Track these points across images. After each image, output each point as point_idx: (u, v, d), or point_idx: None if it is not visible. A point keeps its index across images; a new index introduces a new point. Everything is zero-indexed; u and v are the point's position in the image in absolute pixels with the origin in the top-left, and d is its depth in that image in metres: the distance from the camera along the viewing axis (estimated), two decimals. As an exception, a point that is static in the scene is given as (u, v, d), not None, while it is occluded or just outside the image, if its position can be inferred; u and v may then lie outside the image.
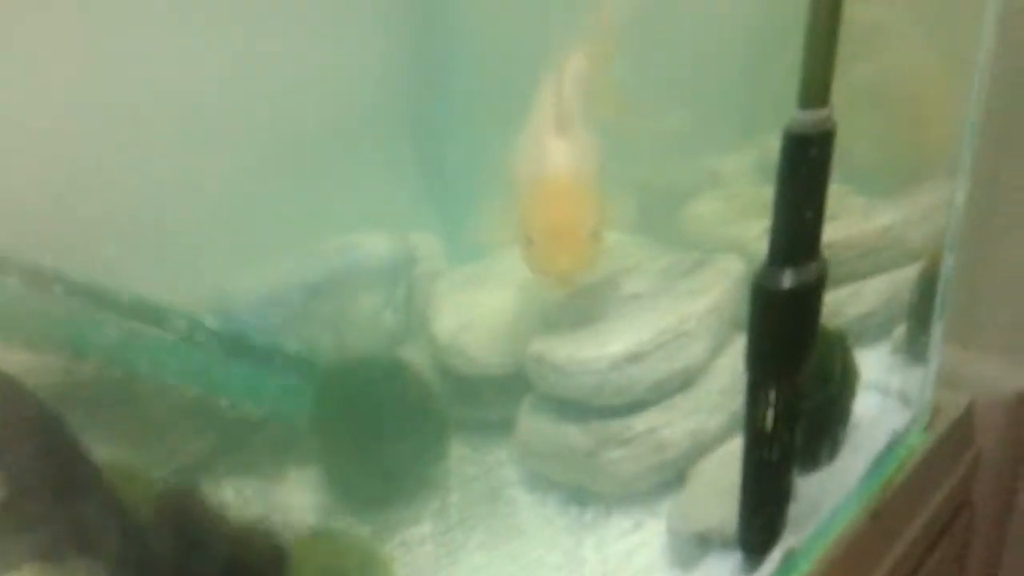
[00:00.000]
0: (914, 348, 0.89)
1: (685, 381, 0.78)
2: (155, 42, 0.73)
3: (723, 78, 0.97)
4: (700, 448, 0.78)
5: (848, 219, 0.92)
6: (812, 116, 0.56)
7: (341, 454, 0.82)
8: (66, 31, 0.70)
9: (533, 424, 0.81)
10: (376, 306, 0.95)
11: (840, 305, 0.90)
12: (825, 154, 0.57)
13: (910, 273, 0.90)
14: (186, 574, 0.58)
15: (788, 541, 0.68)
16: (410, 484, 0.84)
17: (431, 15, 1.00)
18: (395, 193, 0.98)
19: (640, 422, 0.76)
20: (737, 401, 0.75)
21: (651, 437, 0.76)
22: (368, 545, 0.76)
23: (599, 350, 0.75)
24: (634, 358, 0.75)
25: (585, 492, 0.80)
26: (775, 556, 0.68)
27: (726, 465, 0.71)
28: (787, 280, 0.57)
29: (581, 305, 0.83)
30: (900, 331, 0.92)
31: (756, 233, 0.88)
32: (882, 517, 0.79)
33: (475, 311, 0.89)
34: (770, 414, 0.61)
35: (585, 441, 0.77)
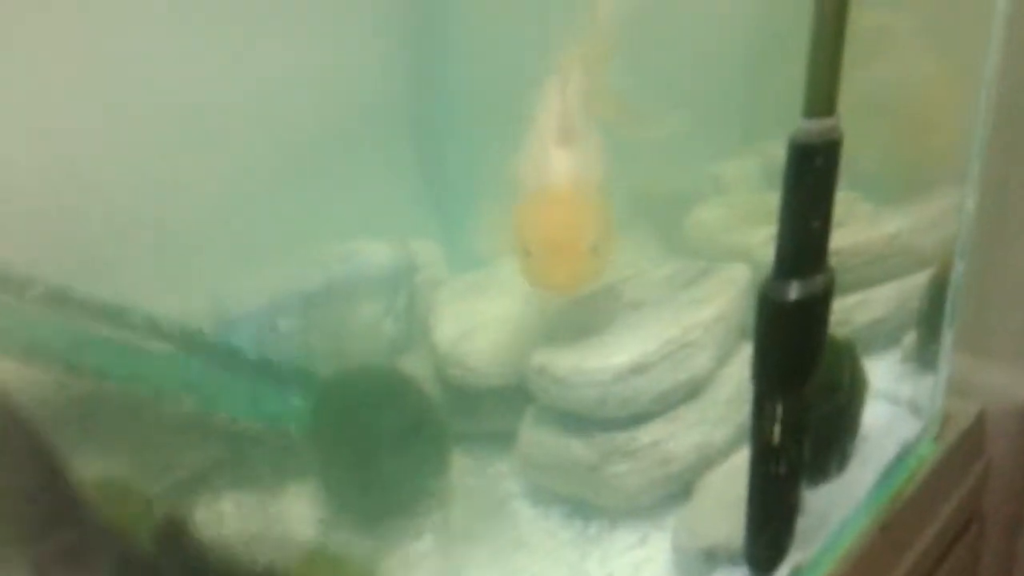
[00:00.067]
0: (924, 356, 0.88)
1: (691, 392, 0.78)
2: (147, 47, 0.73)
3: (726, 81, 0.96)
4: (706, 461, 0.78)
5: (855, 226, 0.92)
6: (818, 125, 0.55)
7: (340, 466, 0.82)
8: (61, 31, 0.70)
9: (535, 436, 0.81)
10: (376, 315, 0.95)
11: (848, 313, 0.90)
12: (832, 164, 0.56)
13: (919, 280, 0.90)
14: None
15: (796, 557, 0.68)
16: (410, 497, 0.84)
17: (431, 19, 0.99)
18: (395, 200, 0.98)
19: (645, 435, 0.76)
20: (744, 412, 0.74)
21: (656, 450, 0.76)
22: (367, 566, 0.76)
23: (602, 361, 0.75)
24: (638, 369, 0.74)
25: (589, 506, 0.80)
26: (783, 572, 0.67)
27: (733, 478, 0.71)
28: (794, 292, 0.57)
29: (584, 315, 0.83)
30: (909, 339, 0.91)
31: (760, 240, 0.88)
32: (892, 529, 0.79)
33: (477, 320, 0.89)
34: (777, 428, 0.61)
35: (588, 454, 0.77)
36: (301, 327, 0.89)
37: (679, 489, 0.78)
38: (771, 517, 0.66)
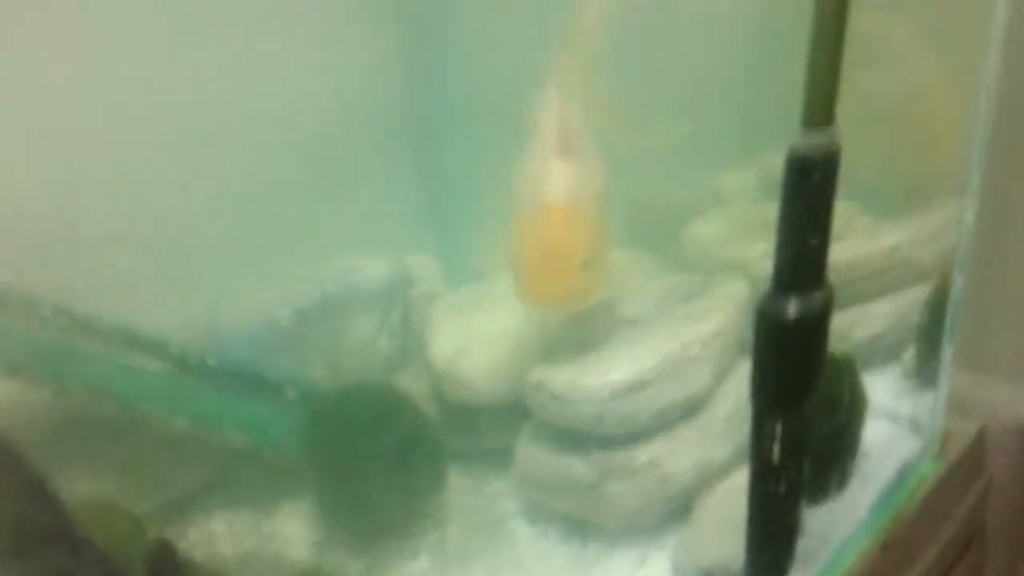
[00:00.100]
0: (924, 372, 0.88)
1: (689, 409, 0.78)
2: (139, 54, 0.73)
3: (724, 92, 0.96)
4: (705, 479, 0.77)
5: (854, 239, 0.91)
6: (816, 138, 0.55)
7: (335, 485, 0.82)
8: (61, 37, 0.70)
9: (533, 454, 0.80)
10: (371, 330, 0.95)
11: (847, 328, 0.90)
12: (830, 177, 0.56)
13: (919, 294, 0.90)
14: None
15: (797, 577, 0.68)
16: (406, 516, 0.83)
17: (429, 30, 1.00)
18: (391, 214, 0.97)
19: (643, 453, 0.75)
20: (743, 429, 0.74)
21: (655, 468, 0.75)
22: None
23: (600, 378, 0.75)
24: (636, 386, 0.74)
25: (587, 524, 0.79)
26: (783, 593, 0.67)
27: (732, 497, 0.70)
28: (792, 309, 0.57)
29: (582, 330, 0.83)
30: (909, 354, 0.91)
31: (759, 253, 0.88)
32: (892, 549, 0.78)
33: (473, 336, 0.88)
34: (777, 447, 0.60)
35: (587, 472, 0.76)
36: (295, 343, 0.89)
37: (678, 508, 0.77)
38: (771, 537, 0.65)
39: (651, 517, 0.77)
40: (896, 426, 0.87)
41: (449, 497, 0.86)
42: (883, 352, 0.92)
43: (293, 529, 0.84)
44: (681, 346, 0.77)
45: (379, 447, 0.79)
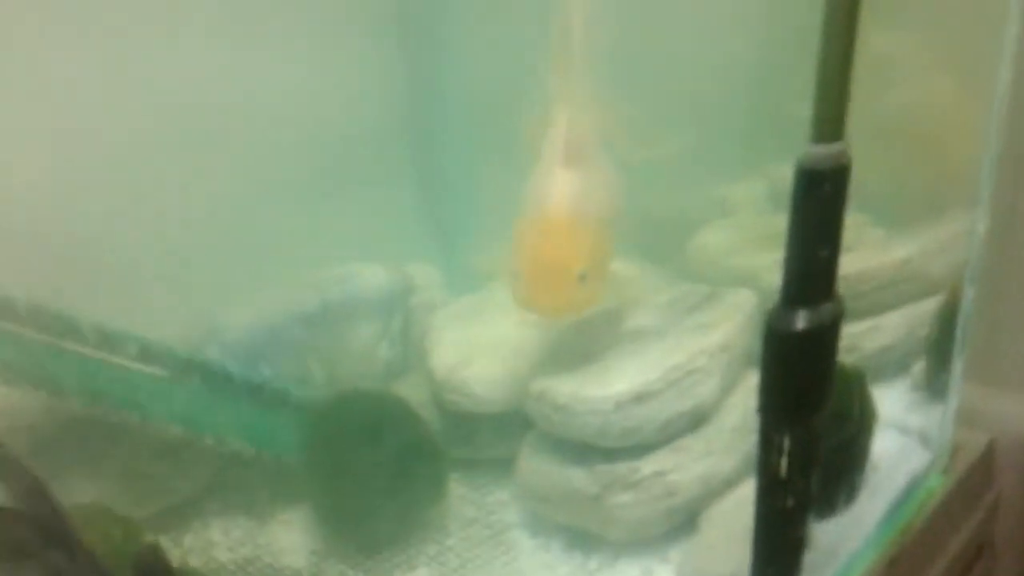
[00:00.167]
0: (933, 385, 0.88)
1: (695, 421, 0.78)
2: (136, 67, 0.74)
3: (731, 103, 0.97)
4: (711, 492, 0.77)
5: (865, 251, 0.92)
6: (826, 150, 0.55)
7: (333, 494, 0.82)
8: (61, 38, 0.71)
9: (535, 465, 0.81)
10: (371, 338, 0.95)
11: (857, 339, 0.90)
12: (840, 190, 0.56)
13: (929, 306, 0.90)
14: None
15: (803, 592, 0.68)
16: (405, 526, 0.83)
17: (430, 38, 1.00)
18: (393, 221, 0.98)
19: (648, 465, 0.76)
20: (750, 441, 0.74)
21: (659, 481, 0.75)
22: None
23: (604, 389, 0.75)
24: (641, 398, 0.74)
25: (590, 537, 0.79)
26: (790, 609, 0.67)
27: (739, 511, 0.70)
28: (801, 322, 0.57)
29: (585, 340, 0.83)
30: (919, 367, 0.91)
31: (767, 264, 0.88)
32: (900, 563, 0.79)
33: (474, 345, 0.88)
34: (784, 461, 0.60)
35: (590, 484, 0.76)
36: (295, 350, 0.89)
37: (684, 521, 0.78)
38: (778, 551, 0.65)
39: (655, 530, 0.77)
40: (905, 439, 0.88)
41: (449, 507, 0.86)
42: (893, 364, 0.92)
43: (291, 537, 0.84)
44: (687, 357, 0.77)
45: (378, 455, 0.80)
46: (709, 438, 0.78)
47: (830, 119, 0.55)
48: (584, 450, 0.77)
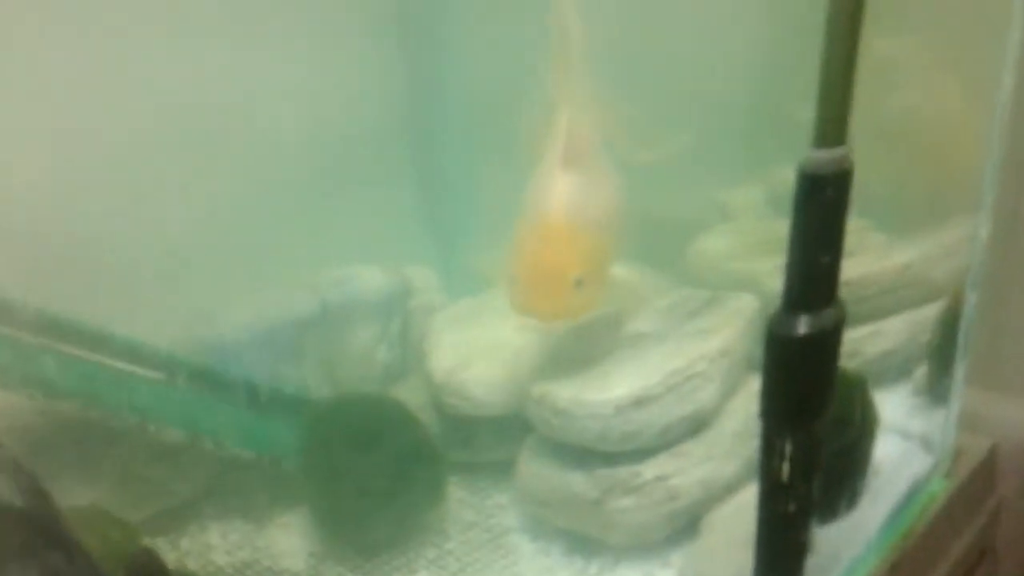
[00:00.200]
0: (935, 389, 0.89)
1: (696, 426, 0.78)
2: (137, 68, 0.74)
3: (731, 106, 0.97)
4: (713, 497, 0.78)
5: (866, 256, 0.92)
6: (828, 155, 0.56)
7: (332, 497, 0.82)
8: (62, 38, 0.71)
9: (535, 468, 0.81)
10: (370, 341, 0.95)
11: (859, 344, 0.90)
12: (843, 195, 0.56)
13: (931, 311, 0.90)
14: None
15: (805, 598, 0.68)
16: (404, 530, 0.83)
17: (430, 40, 1.00)
18: (390, 224, 0.98)
19: (649, 469, 0.76)
20: (751, 446, 0.75)
21: (661, 485, 0.76)
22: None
23: (604, 393, 0.75)
24: (641, 402, 0.74)
25: (591, 541, 0.80)
26: (791, 614, 0.67)
27: (741, 515, 0.71)
28: (803, 327, 0.57)
29: (586, 344, 0.83)
30: (921, 372, 0.92)
31: (767, 269, 0.88)
32: (902, 568, 0.79)
33: (473, 348, 0.89)
34: (786, 466, 0.61)
35: (590, 488, 0.76)
36: (293, 353, 0.89)
37: (685, 526, 0.78)
38: (780, 556, 0.66)
39: (656, 534, 0.78)
40: (907, 443, 0.88)
41: (448, 511, 0.86)
42: (895, 369, 0.92)
43: (289, 541, 0.84)
44: (687, 362, 0.77)
45: (377, 459, 0.80)
46: (710, 443, 0.78)
47: (833, 123, 0.55)
48: (584, 454, 0.77)
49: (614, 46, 0.82)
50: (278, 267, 0.89)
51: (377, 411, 0.86)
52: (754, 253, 0.95)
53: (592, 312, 0.78)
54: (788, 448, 0.61)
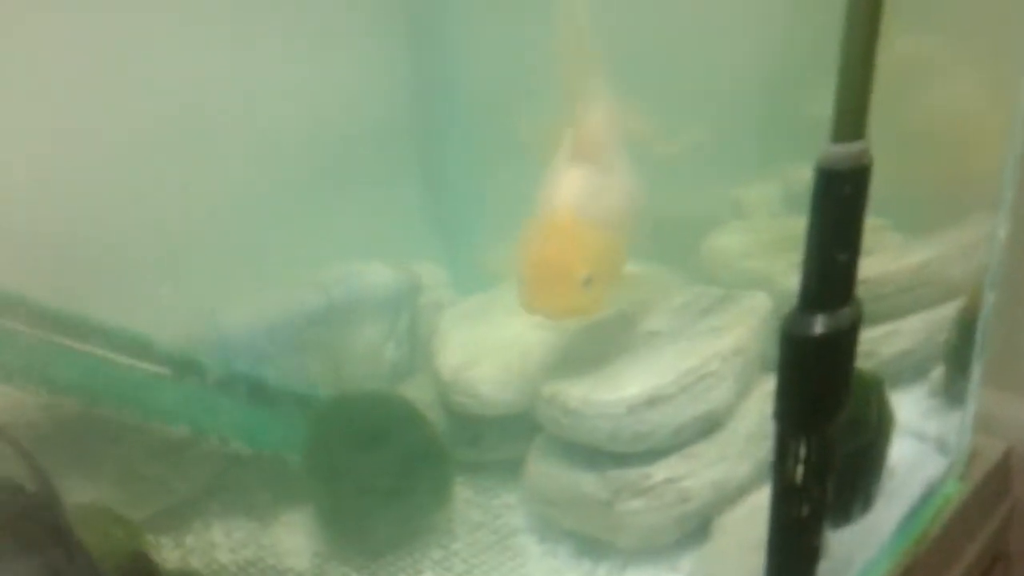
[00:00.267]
0: (951, 391, 0.88)
1: (708, 426, 0.78)
2: (138, 67, 0.74)
3: (746, 102, 0.97)
4: (725, 499, 0.77)
5: (883, 255, 0.92)
6: (846, 150, 0.55)
7: (337, 496, 0.82)
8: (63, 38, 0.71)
9: (544, 468, 0.81)
10: (377, 338, 0.95)
11: (875, 344, 0.90)
12: (861, 191, 0.56)
13: (948, 311, 0.90)
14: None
15: (818, 603, 0.68)
16: (410, 529, 0.83)
17: (436, 36, 1.00)
18: (399, 220, 0.98)
19: (660, 470, 0.75)
20: (764, 448, 0.74)
21: (672, 487, 0.75)
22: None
23: (615, 393, 0.75)
24: (653, 402, 0.74)
25: (600, 544, 0.79)
26: (804, 618, 0.67)
27: (753, 518, 0.70)
28: (819, 327, 0.57)
29: (597, 342, 0.83)
30: (937, 372, 0.91)
31: (782, 267, 0.88)
32: (915, 573, 0.79)
33: (482, 345, 0.88)
34: (800, 468, 0.60)
35: (600, 489, 0.76)
36: (299, 350, 0.89)
37: (696, 528, 0.77)
38: (793, 561, 0.65)
39: (667, 537, 0.77)
40: (922, 445, 0.87)
41: (455, 510, 0.86)
42: (911, 369, 0.92)
43: (294, 540, 0.84)
44: (700, 361, 0.77)
45: (383, 457, 0.80)
46: (723, 444, 0.78)
47: (851, 118, 0.55)
48: (594, 455, 0.77)
49: (627, 42, 0.81)
50: (287, 265, 0.89)
51: (383, 409, 0.86)
52: (768, 251, 0.94)
53: (603, 310, 0.78)
54: (802, 450, 0.60)
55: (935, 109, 0.94)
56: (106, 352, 0.77)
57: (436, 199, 1.04)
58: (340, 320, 0.92)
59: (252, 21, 0.81)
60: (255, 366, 0.85)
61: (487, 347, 0.88)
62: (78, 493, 0.75)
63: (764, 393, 0.80)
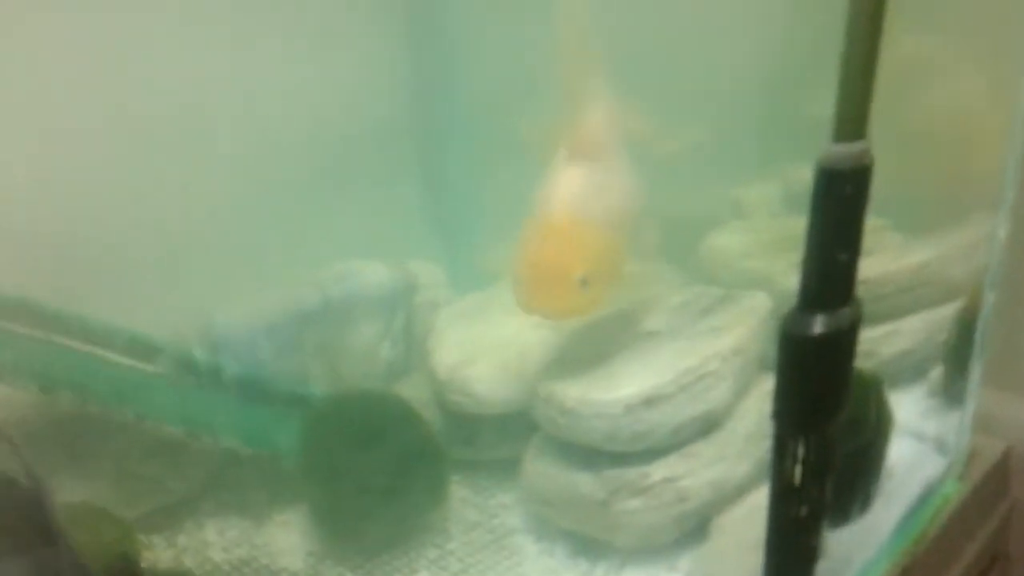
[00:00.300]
0: (951, 391, 0.89)
1: (707, 426, 0.78)
2: (138, 66, 0.74)
3: (746, 102, 0.97)
4: (723, 499, 0.77)
5: (883, 255, 0.92)
6: (847, 150, 0.55)
7: (332, 495, 0.82)
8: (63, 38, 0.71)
9: (540, 468, 0.81)
10: (373, 337, 0.95)
11: (874, 344, 0.90)
12: (862, 191, 0.56)
13: (948, 311, 0.90)
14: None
15: (816, 603, 0.68)
16: (405, 529, 0.83)
17: (435, 35, 1.00)
18: (396, 219, 0.98)
19: (658, 470, 0.75)
20: (763, 447, 0.75)
21: (670, 487, 0.75)
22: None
23: (612, 392, 0.75)
24: (651, 402, 0.74)
25: (597, 543, 0.79)
26: (802, 619, 0.67)
27: (751, 518, 0.70)
28: (818, 327, 0.57)
29: (595, 341, 0.83)
30: (936, 372, 0.92)
31: (781, 267, 0.88)
32: (913, 573, 0.79)
33: (478, 344, 0.89)
34: (799, 468, 0.60)
35: (597, 489, 0.76)
36: (295, 348, 0.89)
37: (694, 528, 0.78)
38: (791, 561, 0.65)
39: (665, 537, 0.77)
40: (921, 445, 0.88)
41: (451, 510, 0.86)
42: (910, 369, 0.92)
43: (288, 539, 0.84)
44: (699, 361, 0.77)
45: (378, 456, 0.80)
46: (721, 443, 0.78)
47: (852, 117, 0.55)
48: (591, 454, 0.77)
49: (627, 42, 0.81)
50: (286, 264, 0.89)
51: (379, 408, 0.86)
52: (768, 251, 0.95)
53: (600, 310, 0.78)
54: (801, 450, 0.60)
55: (936, 109, 0.94)
56: (100, 350, 0.77)
57: (435, 198, 1.04)
58: (336, 319, 0.92)
59: (252, 21, 0.81)
60: (251, 365, 0.85)
61: (484, 346, 0.88)
62: (69, 492, 0.75)
63: (763, 393, 0.80)
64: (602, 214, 0.74)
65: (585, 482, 0.77)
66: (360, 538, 0.83)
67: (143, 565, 0.76)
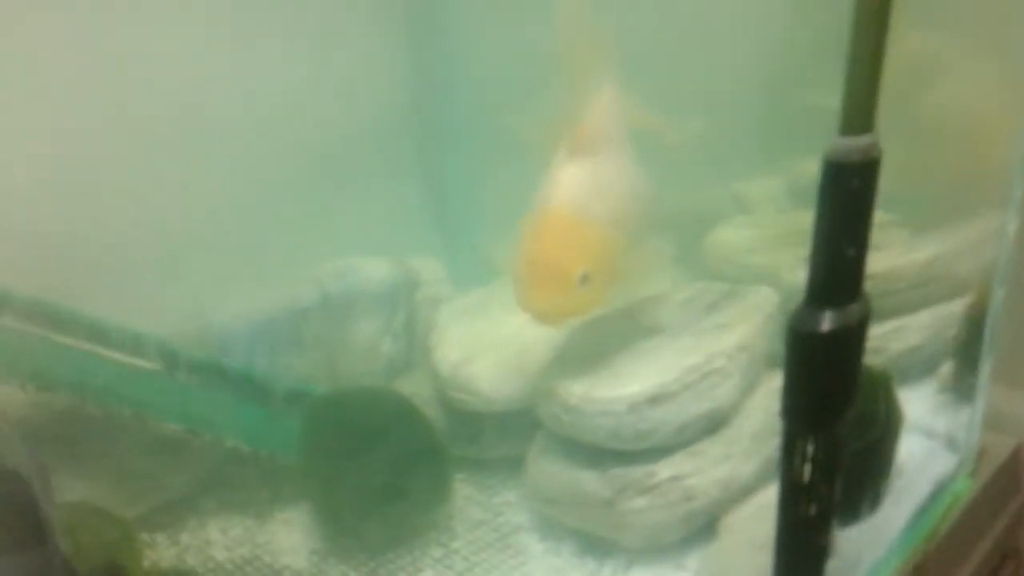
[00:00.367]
0: (960, 387, 0.88)
1: (714, 424, 0.78)
2: (139, 65, 0.74)
3: (750, 95, 0.97)
4: (731, 497, 0.77)
5: (891, 251, 0.92)
6: (855, 143, 0.55)
7: (334, 493, 0.82)
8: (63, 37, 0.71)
9: (545, 466, 0.81)
10: (374, 333, 0.95)
11: (883, 340, 0.90)
12: (869, 185, 0.56)
13: (957, 307, 0.90)
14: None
15: (826, 603, 0.68)
16: (409, 527, 0.84)
17: (436, 32, 1.00)
18: (397, 215, 0.98)
19: (664, 468, 0.75)
20: (771, 445, 0.74)
21: (676, 485, 0.75)
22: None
23: (617, 390, 0.75)
24: (656, 399, 0.74)
25: (603, 542, 0.79)
26: (811, 619, 0.67)
27: (760, 517, 0.70)
28: (826, 323, 0.56)
29: (599, 338, 0.83)
30: (945, 369, 0.91)
31: (787, 262, 0.88)
32: (925, 570, 0.79)
33: (481, 341, 0.89)
34: (808, 467, 0.60)
35: (602, 488, 0.76)
36: (295, 345, 0.89)
37: (702, 527, 0.77)
38: (800, 560, 0.65)
39: (672, 536, 0.77)
40: (931, 442, 0.87)
41: (455, 508, 0.86)
42: (920, 366, 0.92)
43: (291, 537, 0.84)
44: (704, 358, 0.77)
45: (381, 454, 0.80)
46: (728, 442, 0.78)
47: (860, 110, 0.54)
48: (596, 452, 0.77)
49: (629, 38, 0.81)
50: (287, 261, 0.89)
51: (381, 405, 0.86)
52: (773, 246, 0.94)
53: (603, 307, 0.77)
54: (810, 448, 0.60)
55: (944, 104, 0.94)
56: (99, 348, 0.76)
57: (436, 195, 1.04)
58: (336, 315, 0.92)
59: (252, 20, 0.81)
60: (251, 362, 0.85)
61: (486, 343, 0.88)
62: (69, 491, 0.75)
63: (770, 390, 0.80)
64: (603, 211, 0.74)
65: (590, 480, 0.77)
66: (364, 536, 0.83)
67: (145, 564, 0.76)
